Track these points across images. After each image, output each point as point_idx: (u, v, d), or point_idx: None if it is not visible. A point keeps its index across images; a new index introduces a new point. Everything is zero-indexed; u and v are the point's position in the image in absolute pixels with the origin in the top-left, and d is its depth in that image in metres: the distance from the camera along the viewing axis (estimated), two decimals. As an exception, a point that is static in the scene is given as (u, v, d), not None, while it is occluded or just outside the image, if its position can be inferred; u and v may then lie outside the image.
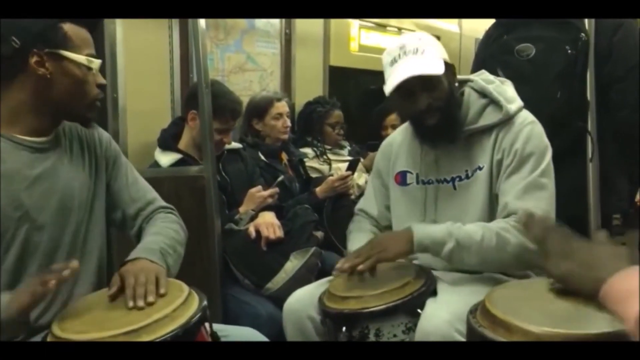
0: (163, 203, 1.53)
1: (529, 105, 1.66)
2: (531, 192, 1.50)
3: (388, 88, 1.53)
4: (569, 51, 2.03)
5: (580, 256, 1.01)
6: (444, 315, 1.33)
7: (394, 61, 1.55)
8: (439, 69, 1.51)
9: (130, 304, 1.15)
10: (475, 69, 2.22)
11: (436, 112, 1.56)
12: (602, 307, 1.00)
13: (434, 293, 1.47)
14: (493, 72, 1.88)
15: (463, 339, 1.23)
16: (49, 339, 1.10)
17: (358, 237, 1.73)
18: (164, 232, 1.41)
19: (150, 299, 1.15)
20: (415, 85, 1.53)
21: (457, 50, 4.48)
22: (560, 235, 1.08)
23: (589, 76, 2.02)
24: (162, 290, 1.19)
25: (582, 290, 0.99)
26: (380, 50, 1.64)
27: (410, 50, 1.53)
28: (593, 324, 0.99)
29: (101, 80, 1.35)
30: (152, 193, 1.52)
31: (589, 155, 2.01)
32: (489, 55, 2.25)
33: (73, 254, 1.34)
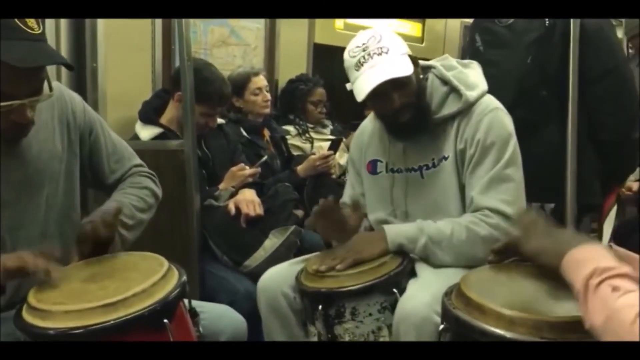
0: (139, 169, 1.51)
1: (500, 69, 1.59)
2: (495, 186, 1.50)
3: (360, 95, 1.50)
4: (547, 20, 2.00)
5: (551, 236, 1.13)
6: (424, 297, 1.34)
7: (359, 64, 1.51)
8: (408, 69, 1.49)
9: None
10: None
11: (409, 108, 1.54)
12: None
13: (412, 273, 1.48)
14: (471, 38, 1.83)
15: (440, 320, 1.24)
16: (24, 309, 1.10)
17: None
18: (124, 200, 1.39)
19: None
20: (387, 88, 1.50)
21: (442, 33, 4.46)
22: (539, 222, 1.20)
23: (571, 52, 1.96)
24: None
25: (548, 266, 1.07)
26: (366, 29, 1.61)
27: (374, 52, 1.49)
28: (565, 307, 1.02)
29: (20, 119, 1.17)
30: (130, 161, 1.50)
31: (569, 130, 1.97)
32: (473, 23, 2.24)
33: (47, 229, 1.32)
